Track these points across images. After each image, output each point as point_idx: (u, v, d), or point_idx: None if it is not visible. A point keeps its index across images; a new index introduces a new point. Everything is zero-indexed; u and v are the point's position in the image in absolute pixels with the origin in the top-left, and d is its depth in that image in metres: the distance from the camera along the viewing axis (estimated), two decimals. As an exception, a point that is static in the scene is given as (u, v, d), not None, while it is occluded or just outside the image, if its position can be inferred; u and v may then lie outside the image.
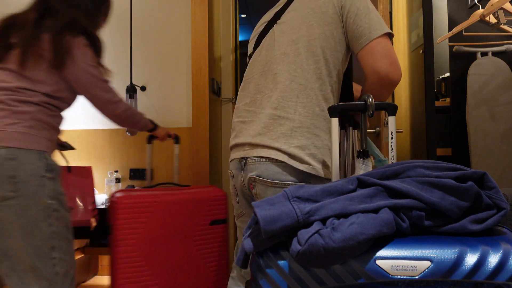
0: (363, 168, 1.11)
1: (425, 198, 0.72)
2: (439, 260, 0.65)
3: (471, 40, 2.45)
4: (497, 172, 2.36)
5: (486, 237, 0.70)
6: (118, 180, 2.96)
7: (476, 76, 2.40)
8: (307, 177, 1.09)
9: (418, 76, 2.30)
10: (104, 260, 3.06)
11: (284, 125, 1.09)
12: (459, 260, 0.64)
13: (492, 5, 2.13)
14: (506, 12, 2.22)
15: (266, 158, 1.10)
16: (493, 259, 0.64)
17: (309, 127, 1.09)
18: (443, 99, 2.66)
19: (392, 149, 1.04)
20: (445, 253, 0.65)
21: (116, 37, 3.16)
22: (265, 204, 0.74)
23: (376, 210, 0.71)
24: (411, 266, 0.65)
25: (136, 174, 3.05)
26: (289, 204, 0.72)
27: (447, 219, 0.73)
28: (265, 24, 1.29)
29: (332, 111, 1.08)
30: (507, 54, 2.45)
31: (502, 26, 2.23)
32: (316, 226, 0.70)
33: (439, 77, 2.75)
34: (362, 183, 0.78)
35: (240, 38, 6.28)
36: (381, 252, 0.67)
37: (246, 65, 1.38)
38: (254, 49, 1.31)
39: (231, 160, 1.26)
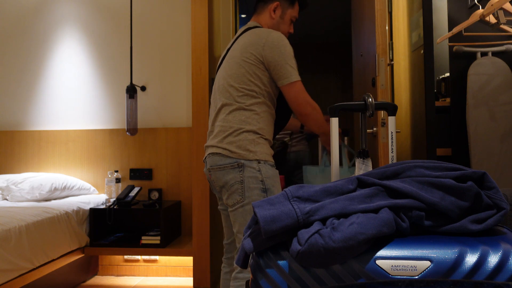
0: (363, 168, 1.11)
1: (425, 198, 0.72)
2: (439, 260, 0.65)
3: (471, 40, 2.45)
4: (497, 172, 2.36)
5: (486, 237, 0.70)
6: (118, 180, 2.96)
7: (476, 76, 2.40)
8: (234, 160, 1.57)
9: (418, 76, 2.30)
10: (104, 260, 3.06)
11: (222, 131, 1.63)
12: (459, 260, 0.64)
13: (492, 5, 2.13)
14: (506, 12, 2.22)
15: (211, 153, 1.64)
16: (493, 259, 0.64)
17: (236, 129, 1.61)
18: (443, 99, 2.65)
19: (392, 149, 1.04)
20: (445, 253, 0.65)
21: (116, 37, 3.16)
22: (265, 204, 0.74)
23: (376, 210, 0.71)
24: (411, 266, 0.65)
25: (136, 174, 3.05)
26: (289, 204, 0.73)
27: (447, 219, 0.73)
28: (222, 56, 1.84)
29: (332, 111, 1.09)
30: (507, 54, 2.45)
31: (502, 26, 2.23)
32: (316, 226, 0.70)
33: (439, 77, 2.74)
34: (362, 183, 0.78)
35: (240, 38, 6.22)
36: (381, 252, 0.67)
37: None
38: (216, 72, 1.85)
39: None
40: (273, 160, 1.66)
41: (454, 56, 2.51)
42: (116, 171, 2.98)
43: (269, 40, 1.66)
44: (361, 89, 2.41)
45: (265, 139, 1.65)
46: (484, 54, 2.44)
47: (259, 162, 1.58)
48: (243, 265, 0.80)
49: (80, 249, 2.61)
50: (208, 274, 2.52)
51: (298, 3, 1.85)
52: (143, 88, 3.10)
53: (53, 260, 2.32)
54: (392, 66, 2.71)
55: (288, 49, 1.67)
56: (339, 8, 5.06)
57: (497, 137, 2.37)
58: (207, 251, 2.52)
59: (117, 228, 2.99)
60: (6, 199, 2.75)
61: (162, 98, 3.10)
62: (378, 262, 0.66)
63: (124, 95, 3.13)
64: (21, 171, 3.18)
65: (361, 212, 0.71)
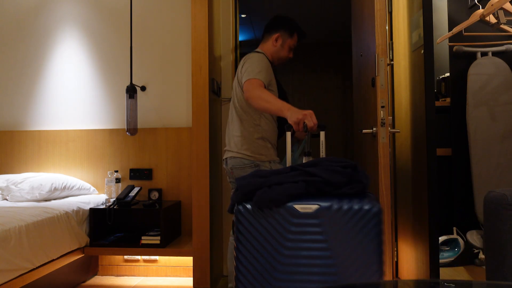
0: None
1: (325, 176, 1.35)
2: (324, 205, 1.31)
3: (471, 40, 2.45)
4: (497, 172, 2.36)
5: (358, 197, 1.33)
6: (118, 180, 2.96)
7: (476, 76, 2.40)
8: (251, 162, 2.08)
9: (418, 76, 2.30)
10: (104, 260, 3.06)
11: (239, 140, 2.11)
12: (340, 204, 1.30)
13: (492, 5, 2.13)
14: (506, 12, 2.23)
15: (232, 156, 2.12)
16: (357, 205, 1.29)
17: (248, 137, 2.10)
18: (443, 99, 2.65)
19: (322, 150, 1.63)
20: (331, 201, 1.31)
21: (116, 37, 3.16)
22: (241, 179, 1.43)
23: (297, 182, 1.36)
24: (309, 207, 1.32)
25: (136, 174, 3.05)
26: (253, 179, 1.41)
27: (337, 188, 1.36)
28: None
29: (287, 128, 1.73)
30: (507, 54, 2.45)
31: (502, 26, 2.23)
32: (265, 188, 1.36)
33: (439, 77, 2.74)
34: (293, 168, 1.44)
35: (240, 38, 6.28)
36: (296, 202, 1.33)
37: None
38: None
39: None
40: (278, 158, 2.17)
41: (454, 56, 2.51)
42: (116, 171, 2.98)
43: (242, 61, 2.12)
44: (361, 89, 2.41)
45: (270, 143, 2.15)
46: (484, 54, 2.44)
47: (270, 162, 2.12)
48: (231, 211, 1.40)
49: (80, 249, 2.61)
50: (208, 274, 2.52)
51: (296, 34, 2.22)
52: (143, 88, 3.10)
53: (53, 260, 2.32)
54: (392, 66, 2.71)
55: (250, 61, 2.04)
56: (339, 8, 5.06)
57: (497, 137, 2.37)
58: (207, 251, 2.51)
59: (117, 228, 2.99)
60: (6, 199, 2.75)
61: (162, 98, 3.10)
62: (295, 205, 1.33)
63: (124, 95, 3.13)
64: (21, 171, 3.18)
65: (289, 182, 1.36)
